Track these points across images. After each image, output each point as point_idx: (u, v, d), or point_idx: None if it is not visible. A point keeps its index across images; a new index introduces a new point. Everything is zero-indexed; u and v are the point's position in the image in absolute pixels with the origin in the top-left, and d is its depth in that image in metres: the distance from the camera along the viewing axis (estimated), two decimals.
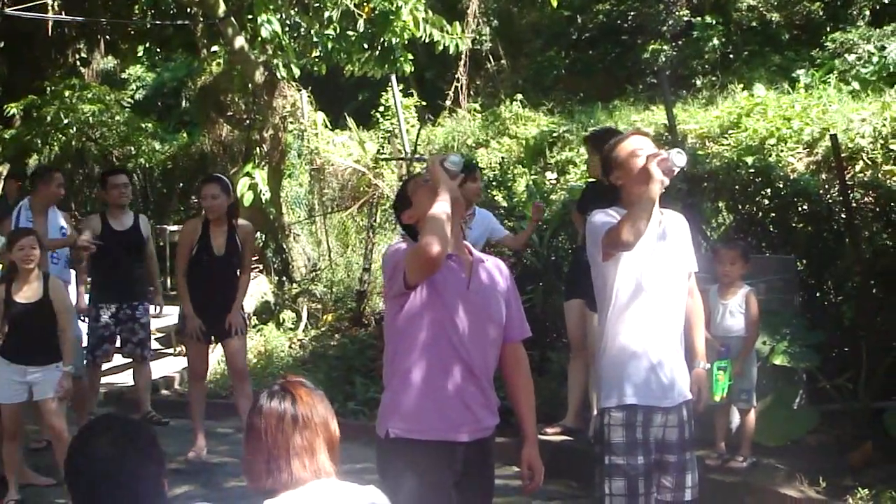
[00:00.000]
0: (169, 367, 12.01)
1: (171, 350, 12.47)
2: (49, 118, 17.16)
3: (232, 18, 12.72)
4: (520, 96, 17.19)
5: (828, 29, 16.63)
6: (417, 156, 13.17)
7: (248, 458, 3.19)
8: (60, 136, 17.66)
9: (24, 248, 7.16)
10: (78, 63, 20.35)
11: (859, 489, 6.34)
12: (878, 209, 8.58)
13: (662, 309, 4.67)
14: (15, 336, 7.19)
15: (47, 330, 7.23)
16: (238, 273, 8.33)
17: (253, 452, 3.17)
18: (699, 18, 18.08)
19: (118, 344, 9.25)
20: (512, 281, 4.39)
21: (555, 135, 14.83)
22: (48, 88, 17.71)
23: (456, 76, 19.20)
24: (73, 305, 8.36)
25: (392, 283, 4.11)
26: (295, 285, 13.23)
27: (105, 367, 11.80)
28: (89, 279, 9.42)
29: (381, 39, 11.60)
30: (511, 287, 4.35)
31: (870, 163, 9.32)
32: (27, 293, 7.21)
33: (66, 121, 17.37)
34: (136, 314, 9.13)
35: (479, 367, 4.14)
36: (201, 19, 14.50)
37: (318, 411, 3.21)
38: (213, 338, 8.39)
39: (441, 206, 3.97)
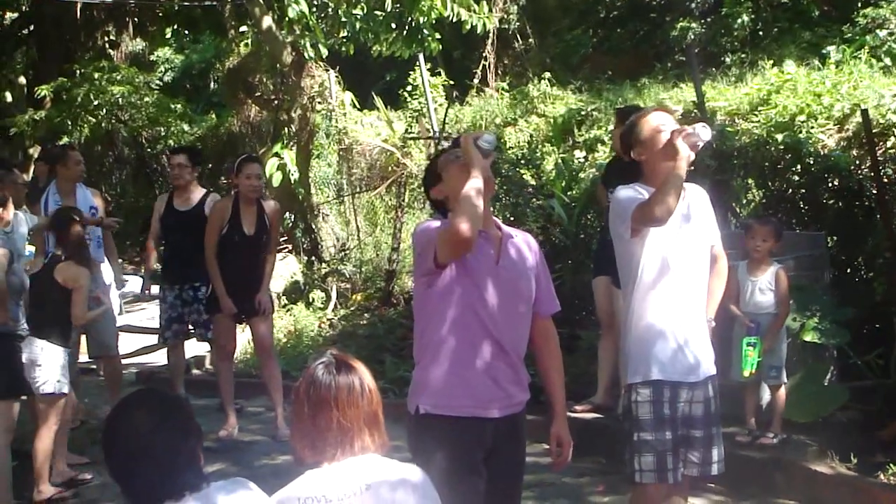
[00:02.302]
0: (199, 346, 12.07)
1: None
2: (79, 100, 17.26)
3: None
4: (548, 75, 17.15)
5: (859, 5, 16.46)
6: (445, 135, 13.17)
7: (312, 432, 3.22)
8: (90, 117, 17.77)
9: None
10: (107, 45, 20.52)
11: (891, 465, 6.32)
12: None
13: (688, 285, 4.68)
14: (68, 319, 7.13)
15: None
16: (265, 252, 8.35)
17: (317, 427, 3.21)
18: None
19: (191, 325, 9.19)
20: (541, 256, 4.38)
21: (583, 113, 14.80)
22: (78, 71, 17.81)
23: (483, 55, 19.17)
24: None
25: (422, 261, 4.11)
26: (324, 265, 13.28)
27: (135, 347, 11.92)
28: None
29: (409, 19, 11.61)
30: (540, 262, 4.34)
31: None
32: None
33: (95, 102, 17.47)
34: (198, 294, 8.93)
35: (509, 343, 4.14)
36: (229, 0, 14.54)
37: (368, 381, 3.27)
38: (241, 317, 8.44)
39: (473, 186, 3.95)
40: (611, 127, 11.62)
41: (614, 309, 7.63)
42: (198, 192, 9.12)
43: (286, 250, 14.31)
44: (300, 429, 3.26)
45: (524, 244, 4.29)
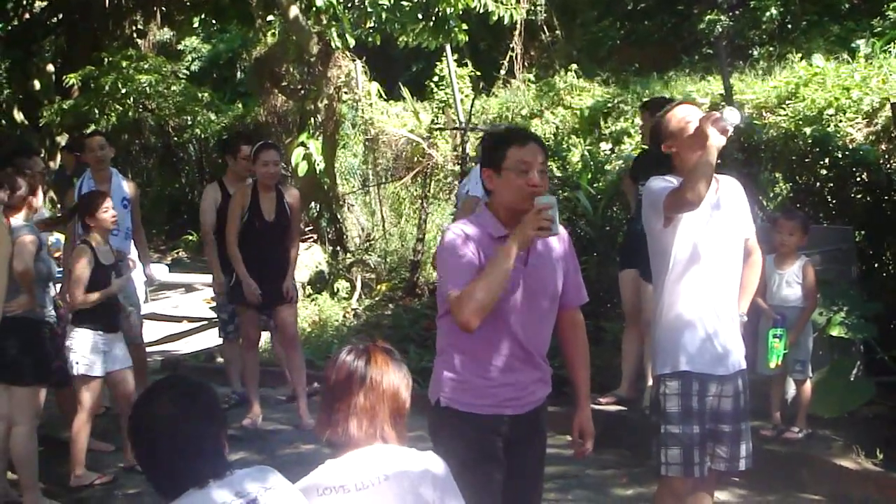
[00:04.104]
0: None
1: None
2: (106, 88, 17.30)
3: None
4: (574, 67, 17.08)
5: None
6: (472, 126, 13.14)
7: (320, 404, 3.32)
8: (117, 106, 17.81)
9: (108, 209, 7.17)
10: (134, 34, 20.53)
11: None
12: None
13: (719, 277, 4.67)
14: (104, 303, 7.14)
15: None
16: (288, 240, 8.35)
17: (323, 402, 3.30)
18: None
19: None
20: (570, 245, 4.34)
21: (609, 105, 14.72)
22: (105, 59, 17.85)
23: (510, 46, 19.11)
24: None
25: (441, 287, 4.10)
26: (349, 255, 13.30)
27: (160, 335, 11.94)
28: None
29: (436, 10, 11.58)
30: (569, 252, 4.30)
31: None
32: (108, 256, 7.22)
33: (123, 91, 17.51)
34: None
35: (532, 343, 4.13)
36: None
37: (388, 378, 3.26)
38: (266, 307, 8.44)
39: (504, 270, 3.88)
40: (637, 119, 11.59)
41: (641, 302, 7.63)
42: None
43: (311, 240, 14.33)
44: (326, 408, 3.29)
45: (555, 239, 4.21)
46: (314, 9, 11.46)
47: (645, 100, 10.53)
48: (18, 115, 20.72)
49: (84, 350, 7.01)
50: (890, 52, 12.84)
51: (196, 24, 19.51)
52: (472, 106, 14.42)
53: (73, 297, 7.06)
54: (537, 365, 4.18)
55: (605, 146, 13.06)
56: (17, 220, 6.62)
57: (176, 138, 20.73)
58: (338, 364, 3.27)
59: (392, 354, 3.34)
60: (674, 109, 4.81)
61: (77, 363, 6.99)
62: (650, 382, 6.49)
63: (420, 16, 11.71)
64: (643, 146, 8.67)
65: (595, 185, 10.82)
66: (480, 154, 4.34)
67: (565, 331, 4.34)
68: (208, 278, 14.20)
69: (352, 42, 11.87)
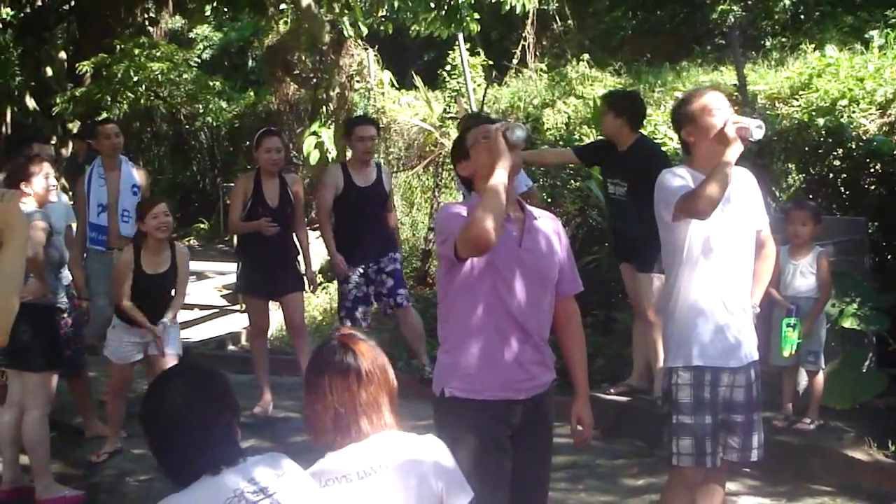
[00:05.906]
0: (235, 323, 12.14)
1: (236, 307, 12.59)
2: (119, 76, 17.32)
3: None
4: (586, 56, 17.04)
5: None
6: (484, 114, 13.12)
7: (312, 414, 3.22)
8: (129, 94, 17.82)
9: (157, 215, 7.06)
10: (146, 22, 20.56)
11: None
12: None
13: (731, 269, 4.65)
14: (140, 305, 7.13)
15: (167, 296, 7.31)
16: (293, 226, 8.34)
17: (317, 409, 3.20)
18: None
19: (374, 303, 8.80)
20: (564, 235, 4.37)
21: None
22: (118, 47, 17.86)
23: (522, 36, 19.08)
24: None
25: (444, 250, 4.09)
26: None
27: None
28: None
29: None
30: (563, 242, 4.32)
31: None
32: (157, 264, 7.19)
33: (135, 78, 17.53)
34: (380, 265, 8.55)
35: (533, 326, 4.14)
36: None
37: (376, 364, 3.24)
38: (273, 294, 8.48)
39: (499, 183, 3.89)
40: (650, 110, 11.53)
41: (637, 292, 7.62)
42: (373, 167, 8.81)
43: None
44: (304, 410, 3.27)
45: (547, 224, 4.28)
46: None
47: (609, 91, 10.38)
48: (31, 103, 20.76)
49: (110, 338, 7.32)
50: None
51: (208, 13, 19.52)
52: (484, 95, 14.41)
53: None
54: (538, 347, 4.18)
55: None
56: (29, 206, 6.61)
57: (187, 126, 20.69)
58: (328, 368, 3.21)
59: (358, 335, 3.32)
60: (700, 96, 4.73)
61: (105, 347, 7.39)
62: (660, 364, 6.50)
63: (432, 4, 11.69)
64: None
65: None
66: (454, 154, 4.34)
67: (560, 320, 4.34)
68: (220, 266, 14.29)
69: (364, 31, 11.87)
